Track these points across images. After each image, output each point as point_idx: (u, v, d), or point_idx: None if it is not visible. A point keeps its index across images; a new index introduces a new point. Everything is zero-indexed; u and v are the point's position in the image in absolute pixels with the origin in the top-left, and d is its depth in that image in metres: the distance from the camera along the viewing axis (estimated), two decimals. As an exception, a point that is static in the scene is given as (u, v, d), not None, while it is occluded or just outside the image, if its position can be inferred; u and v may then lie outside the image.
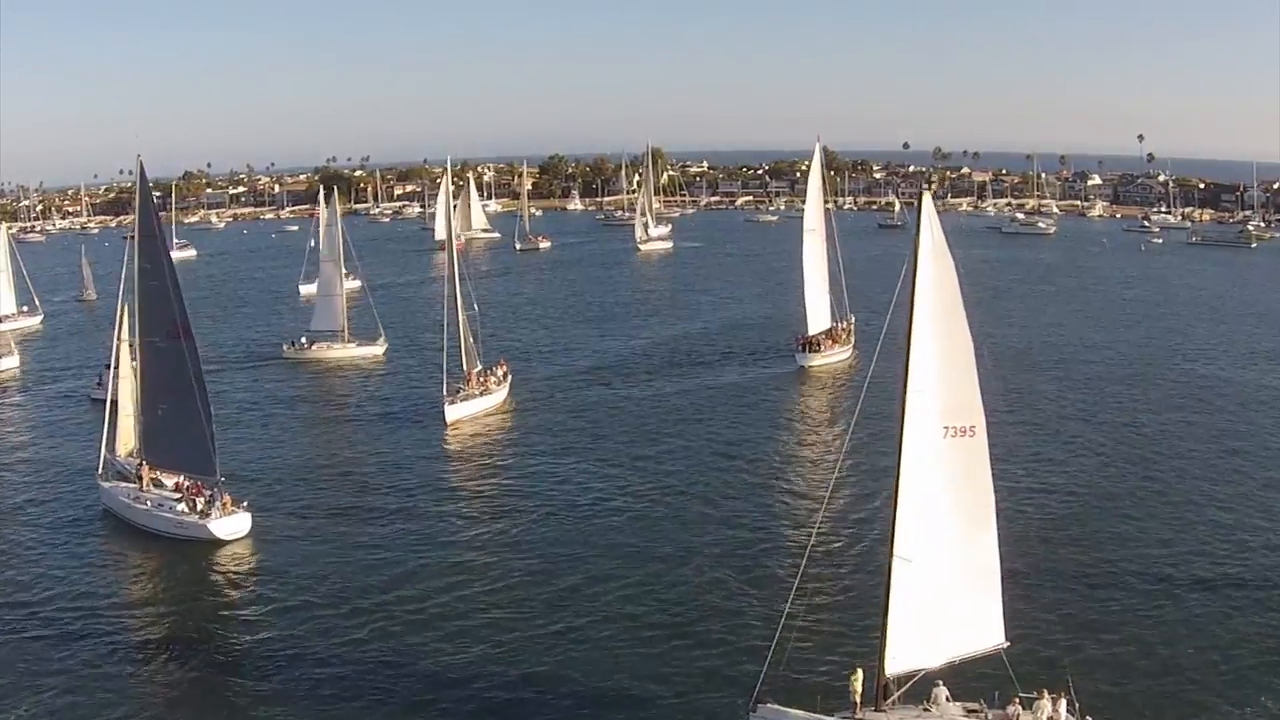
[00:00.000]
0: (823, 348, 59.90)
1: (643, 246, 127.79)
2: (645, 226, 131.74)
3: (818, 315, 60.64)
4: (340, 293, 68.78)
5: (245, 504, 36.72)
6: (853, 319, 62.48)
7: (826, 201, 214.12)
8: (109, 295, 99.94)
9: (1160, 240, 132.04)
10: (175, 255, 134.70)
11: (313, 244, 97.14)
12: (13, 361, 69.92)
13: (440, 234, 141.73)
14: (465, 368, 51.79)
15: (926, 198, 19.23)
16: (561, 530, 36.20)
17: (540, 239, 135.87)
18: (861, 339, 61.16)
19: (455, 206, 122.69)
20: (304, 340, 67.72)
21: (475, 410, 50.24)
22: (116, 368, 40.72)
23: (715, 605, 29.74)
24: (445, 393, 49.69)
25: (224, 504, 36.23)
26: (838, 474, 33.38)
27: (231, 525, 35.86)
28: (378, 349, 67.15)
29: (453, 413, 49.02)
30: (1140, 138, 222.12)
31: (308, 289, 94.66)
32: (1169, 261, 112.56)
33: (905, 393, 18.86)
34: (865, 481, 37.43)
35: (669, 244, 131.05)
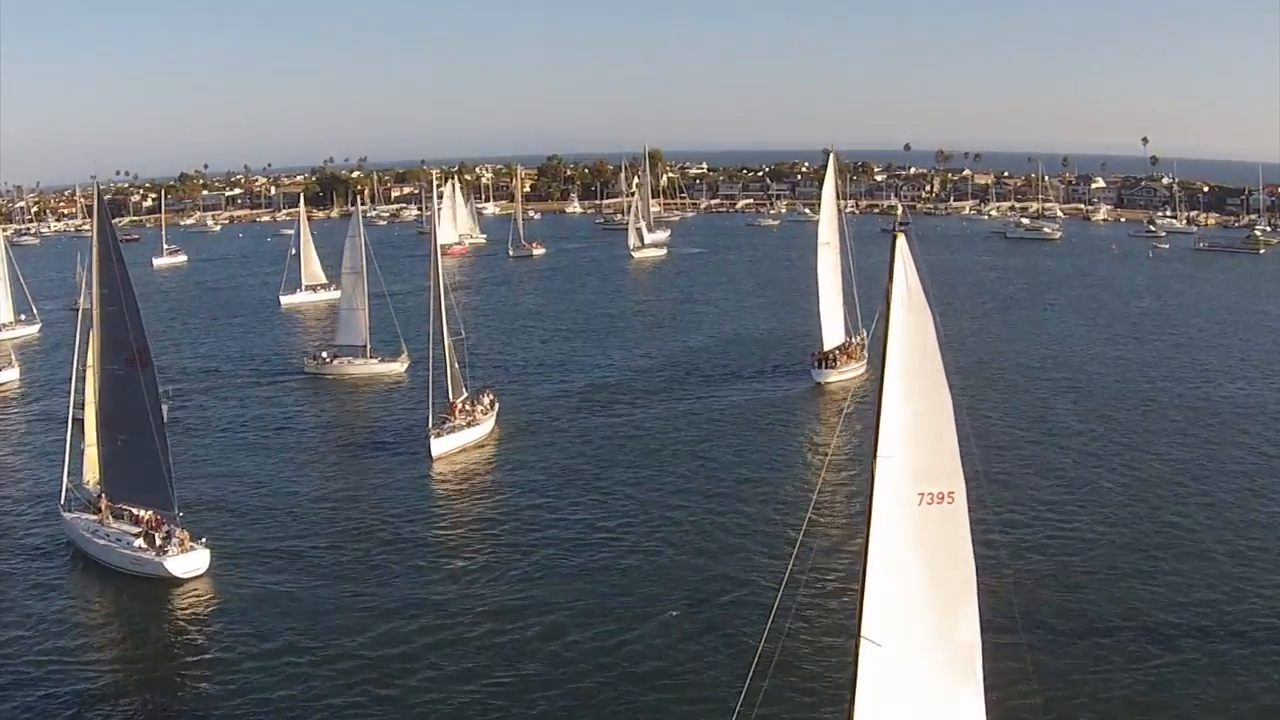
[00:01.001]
0: (839, 363, 58.48)
1: (636, 254, 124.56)
2: (640, 233, 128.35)
3: (833, 330, 59.46)
4: (362, 306, 66.23)
5: (204, 540, 35.30)
6: (864, 334, 61.18)
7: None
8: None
9: (1167, 246, 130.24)
10: (165, 261, 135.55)
11: (293, 251, 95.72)
12: (13, 374, 67.71)
13: (445, 237, 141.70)
14: (450, 396, 48.95)
15: (901, 240, 17.59)
16: (544, 575, 34.14)
17: (534, 245, 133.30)
18: (874, 353, 59.67)
19: (439, 212, 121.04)
20: (324, 355, 65.59)
21: (462, 443, 47.58)
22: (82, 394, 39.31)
23: (684, 675, 27.45)
24: (430, 425, 46.94)
25: (181, 540, 34.81)
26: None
27: (188, 563, 34.40)
28: (399, 366, 64.36)
29: (439, 446, 46.28)
30: (1145, 140, 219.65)
31: (289, 300, 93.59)
32: (1177, 269, 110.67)
33: (874, 458, 17.18)
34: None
35: (663, 251, 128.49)
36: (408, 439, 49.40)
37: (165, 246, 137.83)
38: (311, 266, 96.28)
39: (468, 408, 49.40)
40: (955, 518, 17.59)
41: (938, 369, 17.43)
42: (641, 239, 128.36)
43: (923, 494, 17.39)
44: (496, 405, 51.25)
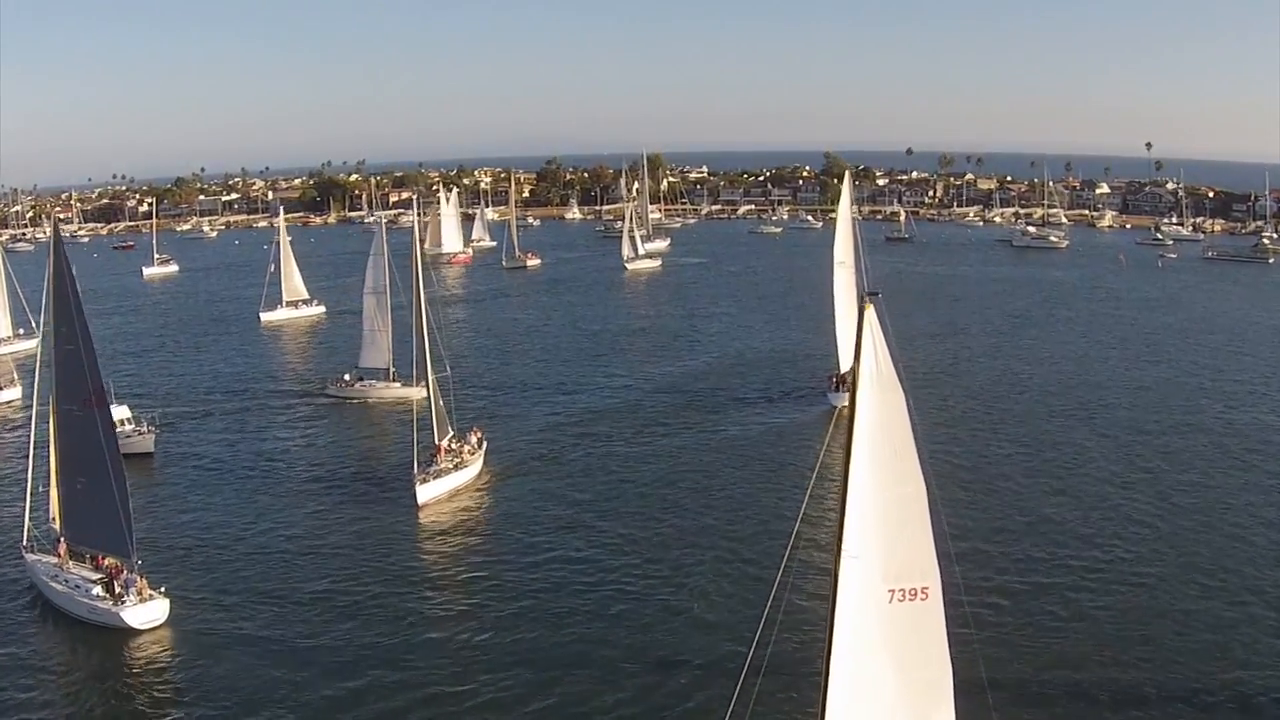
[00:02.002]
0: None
1: (630, 266, 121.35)
2: (634, 243, 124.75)
3: (847, 351, 57.88)
4: (384, 328, 63.23)
5: (163, 589, 33.92)
6: None
7: (832, 213, 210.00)
8: (105, 315, 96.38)
9: (1175, 255, 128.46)
10: (156, 271, 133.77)
11: (273, 267, 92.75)
12: (14, 393, 66.00)
13: (449, 245, 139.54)
14: (436, 437, 46.06)
15: (870, 313, 16.16)
16: (529, 634, 31.99)
17: (529, 256, 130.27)
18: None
19: (425, 225, 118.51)
20: (347, 378, 63.11)
21: (449, 487, 44.54)
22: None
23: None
24: (416, 470, 43.84)
25: (140, 589, 33.43)
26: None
27: (146, 613, 32.99)
28: (420, 391, 60.20)
29: (425, 493, 43.13)
30: (1148, 145, 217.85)
31: (270, 316, 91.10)
32: (1188, 280, 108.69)
33: (838, 556, 15.75)
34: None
35: (658, 263, 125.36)
36: (397, 479, 46.03)
37: (156, 256, 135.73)
38: (292, 281, 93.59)
39: (454, 447, 46.75)
40: (929, 616, 16.25)
41: (910, 455, 16.03)
42: (635, 249, 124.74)
43: (894, 590, 16.03)
44: (484, 444, 48.50)
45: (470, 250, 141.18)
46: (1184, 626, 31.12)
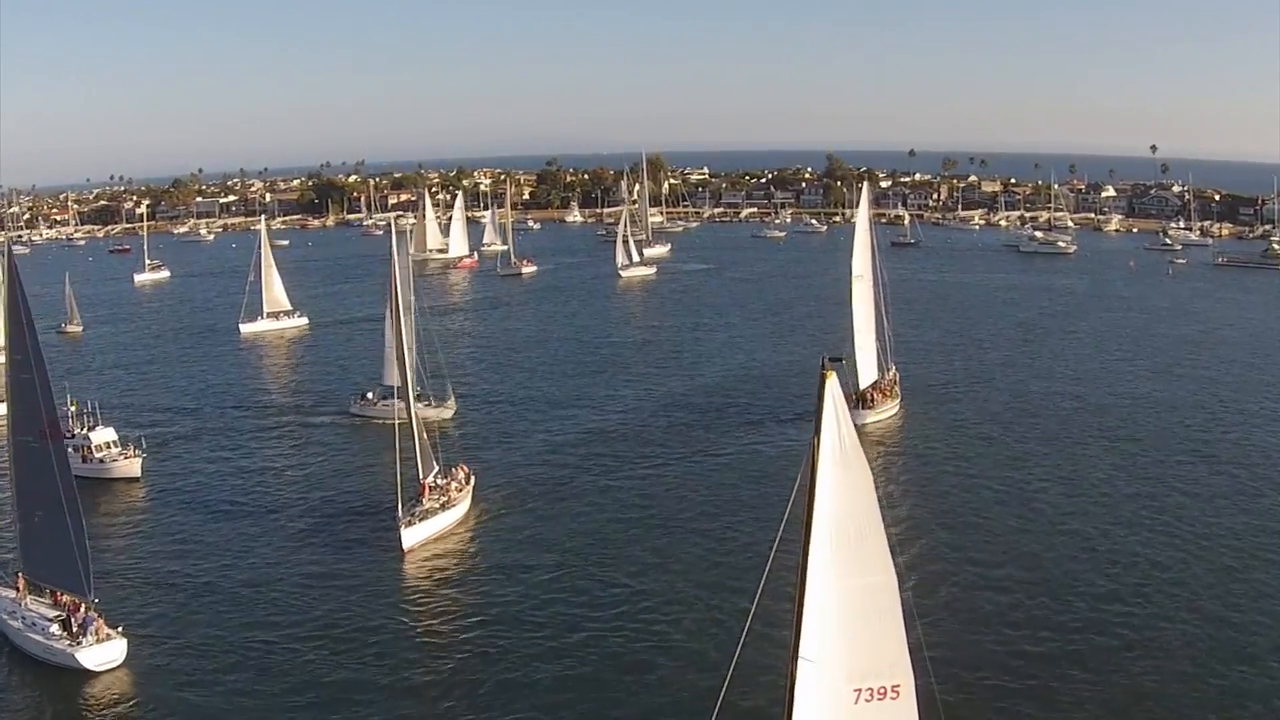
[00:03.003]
0: (875, 403, 55.40)
1: (625, 274, 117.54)
2: (629, 249, 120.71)
3: (868, 366, 56.50)
4: (409, 345, 61.47)
5: (120, 629, 32.19)
6: (894, 369, 58.97)
7: (836, 216, 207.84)
8: (94, 324, 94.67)
9: (1184, 261, 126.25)
10: (147, 277, 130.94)
11: (251, 278, 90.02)
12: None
13: (456, 249, 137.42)
14: (420, 474, 42.57)
15: (831, 381, 14.66)
16: (518, 696, 29.52)
17: (524, 263, 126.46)
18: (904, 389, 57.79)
19: (410, 232, 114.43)
20: (369, 395, 59.25)
21: (436, 529, 41.03)
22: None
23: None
24: (400, 512, 40.10)
25: (98, 628, 31.83)
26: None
27: (101, 655, 31.32)
28: (446, 411, 58.10)
29: (410, 537, 39.61)
30: (1153, 148, 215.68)
31: (250, 328, 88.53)
32: (1200, 288, 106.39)
33: (793, 660, 14.20)
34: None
35: (652, 270, 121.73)
36: (385, 516, 42.09)
37: (147, 261, 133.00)
38: (273, 291, 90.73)
39: (440, 483, 43.26)
40: (902, 715, 14.78)
41: (878, 539, 14.49)
42: (630, 256, 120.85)
43: (860, 690, 14.53)
44: (473, 480, 45.01)
45: (477, 254, 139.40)
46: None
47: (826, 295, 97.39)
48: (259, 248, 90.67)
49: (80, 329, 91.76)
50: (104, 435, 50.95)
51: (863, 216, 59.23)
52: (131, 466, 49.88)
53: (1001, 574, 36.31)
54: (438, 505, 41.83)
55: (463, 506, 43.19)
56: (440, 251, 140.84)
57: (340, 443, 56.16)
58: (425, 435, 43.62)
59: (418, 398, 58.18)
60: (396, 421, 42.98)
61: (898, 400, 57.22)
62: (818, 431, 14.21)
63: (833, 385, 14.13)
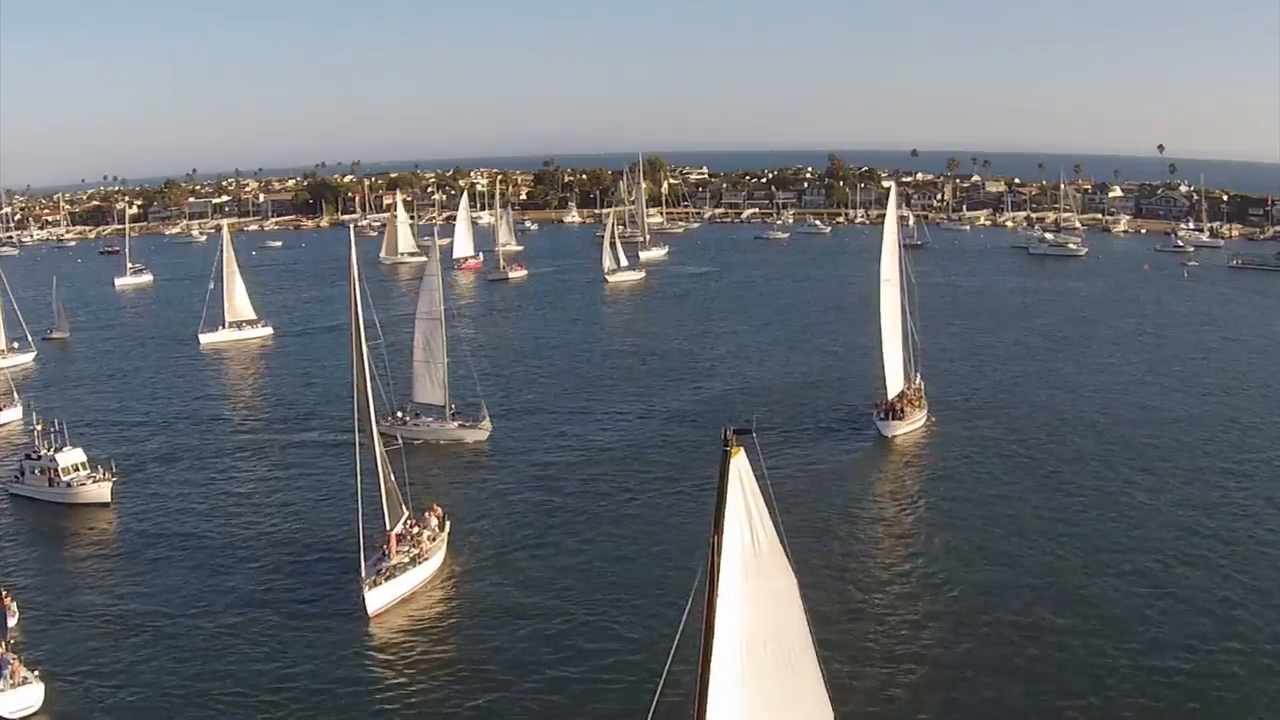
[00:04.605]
0: (904, 413, 52.38)
1: (611, 279, 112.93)
2: (616, 254, 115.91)
3: (895, 375, 53.39)
4: (440, 360, 55.23)
5: (37, 672, 29.73)
6: (920, 377, 56.00)
7: (840, 217, 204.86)
8: (82, 331, 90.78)
9: (1197, 264, 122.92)
10: (128, 282, 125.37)
11: (211, 287, 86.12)
12: (15, 414, 60.66)
13: (460, 250, 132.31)
14: (386, 524, 36.95)
15: (739, 458, 10.93)
16: None
17: (512, 268, 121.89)
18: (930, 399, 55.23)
19: (383, 232, 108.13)
20: (400, 413, 54.39)
21: (406, 589, 35.58)
22: None
23: None
24: (363, 572, 34.88)
25: (14, 671, 29.34)
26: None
27: (16, 701, 28.82)
28: (481, 433, 54.07)
29: (375, 600, 34.21)
30: (1160, 148, 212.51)
31: (210, 338, 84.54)
32: (1216, 292, 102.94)
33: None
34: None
35: (640, 275, 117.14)
36: (352, 568, 36.15)
37: (129, 265, 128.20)
38: (235, 300, 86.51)
39: (410, 532, 37.92)
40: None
41: (810, 669, 10.70)
42: (618, 260, 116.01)
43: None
44: (449, 524, 39.83)
45: (481, 256, 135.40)
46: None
47: (839, 301, 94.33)
48: (220, 251, 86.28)
49: (66, 335, 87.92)
50: (72, 457, 47.31)
51: (891, 217, 56.09)
52: (101, 491, 46.25)
53: (1036, 619, 33.19)
54: (407, 560, 36.55)
55: (437, 559, 37.98)
56: (412, 255, 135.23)
57: (323, 466, 51.30)
58: (392, 477, 37.69)
59: (452, 416, 55.08)
60: (357, 460, 36.73)
61: (925, 410, 54.15)
62: (718, 528, 10.24)
63: (739, 465, 10.31)
